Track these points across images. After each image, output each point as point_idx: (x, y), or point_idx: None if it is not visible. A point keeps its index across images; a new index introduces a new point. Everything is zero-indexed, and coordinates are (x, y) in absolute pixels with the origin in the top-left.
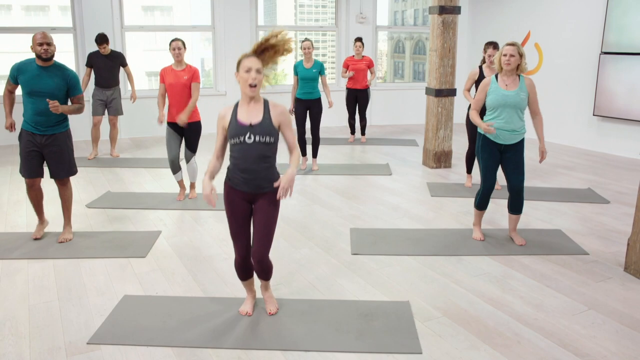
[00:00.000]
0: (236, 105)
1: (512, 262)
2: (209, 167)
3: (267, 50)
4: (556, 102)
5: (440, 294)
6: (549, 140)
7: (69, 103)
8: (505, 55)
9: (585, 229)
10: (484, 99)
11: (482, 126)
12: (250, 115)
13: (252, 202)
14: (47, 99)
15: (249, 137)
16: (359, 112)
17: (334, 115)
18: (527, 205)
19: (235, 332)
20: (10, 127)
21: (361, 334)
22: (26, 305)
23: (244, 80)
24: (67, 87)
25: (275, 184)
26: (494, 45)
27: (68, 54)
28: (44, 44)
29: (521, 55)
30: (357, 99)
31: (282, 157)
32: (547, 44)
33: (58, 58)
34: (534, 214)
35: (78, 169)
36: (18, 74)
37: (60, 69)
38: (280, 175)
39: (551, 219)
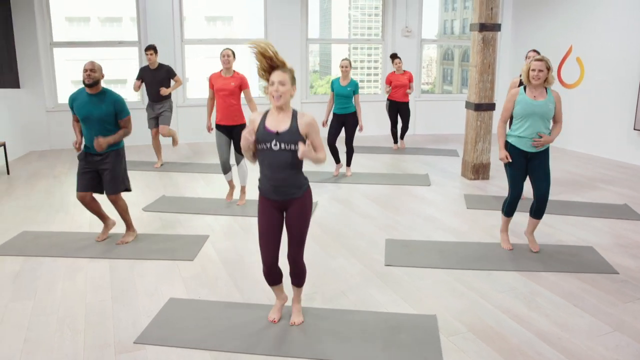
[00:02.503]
0: (266, 112)
1: (540, 279)
2: None
3: (265, 60)
4: (597, 115)
5: (468, 308)
6: (589, 153)
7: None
8: (534, 70)
9: (618, 246)
10: (511, 108)
11: (502, 153)
12: (278, 124)
13: (283, 210)
14: (95, 137)
15: (275, 144)
16: (402, 122)
17: (377, 124)
18: (559, 219)
19: (268, 338)
20: (77, 145)
21: (387, 346)
22: (83, 303)
23: (269, 94)
24: (115, 111)
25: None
26: (535, 51)
27: (134, 61)
28: (87, 70)
29: (549, 70)
30: (399, 111)
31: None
32: (589, 58)
33: (127, 67)
34: (566, 229)
35: (139, 172)
36: (72, 103)
37: (107, 94)
38: (309, 182)
39: (584, 234)
